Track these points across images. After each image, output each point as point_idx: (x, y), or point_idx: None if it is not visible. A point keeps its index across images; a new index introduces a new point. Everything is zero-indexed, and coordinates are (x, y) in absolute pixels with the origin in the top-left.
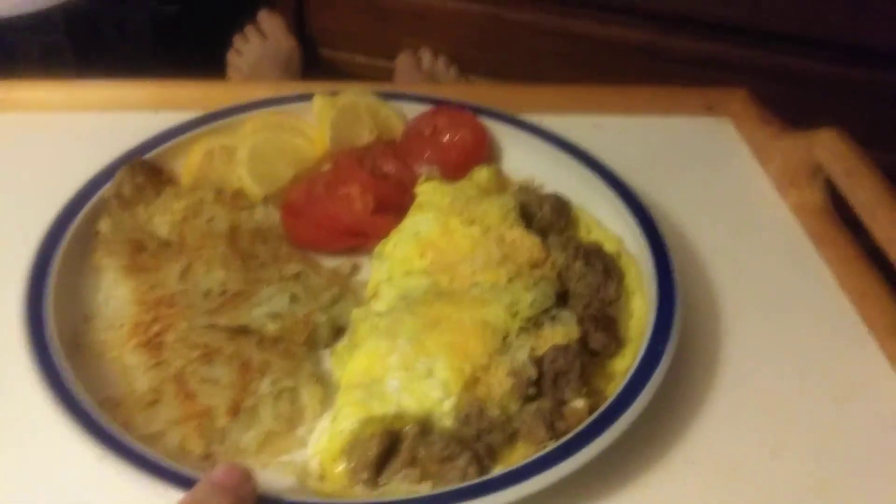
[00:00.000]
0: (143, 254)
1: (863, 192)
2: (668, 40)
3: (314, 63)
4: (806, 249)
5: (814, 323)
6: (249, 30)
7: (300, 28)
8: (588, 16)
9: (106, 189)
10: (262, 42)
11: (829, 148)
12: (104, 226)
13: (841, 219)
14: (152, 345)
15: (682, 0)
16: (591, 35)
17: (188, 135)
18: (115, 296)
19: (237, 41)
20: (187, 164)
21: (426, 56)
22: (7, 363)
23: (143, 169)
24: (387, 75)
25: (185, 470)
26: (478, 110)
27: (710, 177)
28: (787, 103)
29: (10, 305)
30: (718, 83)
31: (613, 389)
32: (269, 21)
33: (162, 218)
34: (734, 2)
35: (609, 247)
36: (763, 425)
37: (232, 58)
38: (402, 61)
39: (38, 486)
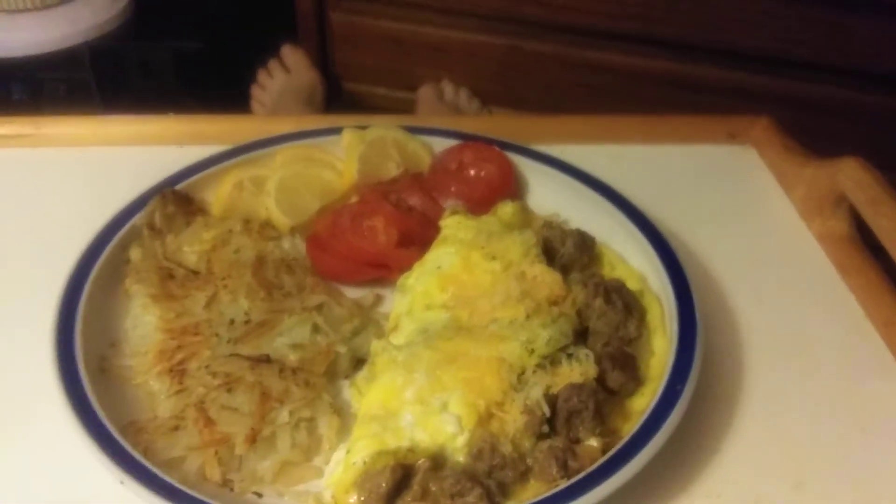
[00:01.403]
0: (171, 282)
1: (886, 221)
2: (689, 69)
3: (337, 96)
4: (831, 278)
5: (839, 352)
6: (273, 64)
7: (323, 62)
8: (609, 46)
9: (138, 218)
10: (285, 76)
11: (851, 177)
12: (135, 254)
13: (866, 246)
14: (176, 372)
15: (703, 29)
16: (612, 65)
17: (219, 166)
18: (142, 322)
19: (261, 75)
20: (217, 194)
21: (448, 88)
22: (35, 385)
23: (175, 199)
24: (408, 107)
25: (203, 496)
26: (504, 145)
27: (733, 205)
28: (810, 129)
29: (40, 330)
30: (741, 111)
31: (630, 429)
32: (292, 55)
33: (191, 247)
34: (755, 30)
35: (632, 284)
36: (786, 457)
37: (255, 92)
38: (424, 93)
39: None
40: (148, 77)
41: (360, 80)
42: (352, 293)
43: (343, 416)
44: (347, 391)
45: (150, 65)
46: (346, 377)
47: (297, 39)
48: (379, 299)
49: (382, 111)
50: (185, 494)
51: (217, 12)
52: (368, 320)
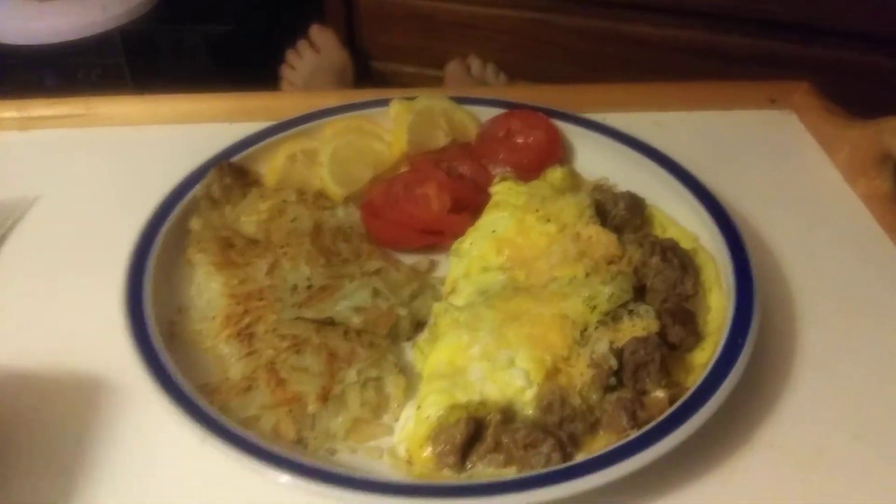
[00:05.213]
0: (231, 250)
1: None
2: (721, 39)
3: (365, 75)
4: (878, 237)
5: (889, 308)
6: (302, 44)
7: (351, 41)
8: (638, 17)
9: (196, 189)
10: (314, 56)
11: None
12: (195, 224)
13: None
14: (244, 335)
15: None
16: (642, 37)
17: (271, 139)
18: (207, 289)
19: (290, 56)
20: (271, 166)
21: (475, 63)
22: (109, 355)
23: (231, 171)
24: (437, 84)
25: (283, 451)
26: (549, 112)
27: (777, 169)
28: (844, 98)
29: (110, 299)
30: (775, 80)
31: (693, 381)
32: (320, 35)
33: (248, 217)
34: None
35: (685, 244)
36: (844, 409)
37: (286, 72)
38: (452, 69)
39: (147, 468)
40: (179, 60)
41: (389, 58)
42: (406, 259)
43: (408, 376)
44: (409, 353)
45: (180, 48)
46: (408, 339)
47: (325, 19)
48: (433, 265)
49: (411, 89)
50: (266, 451)
51: None
52: (425, 284)
